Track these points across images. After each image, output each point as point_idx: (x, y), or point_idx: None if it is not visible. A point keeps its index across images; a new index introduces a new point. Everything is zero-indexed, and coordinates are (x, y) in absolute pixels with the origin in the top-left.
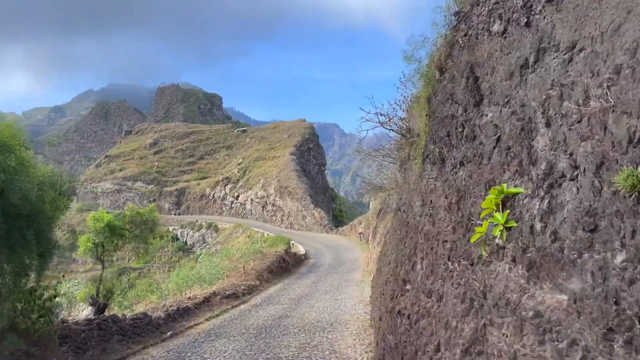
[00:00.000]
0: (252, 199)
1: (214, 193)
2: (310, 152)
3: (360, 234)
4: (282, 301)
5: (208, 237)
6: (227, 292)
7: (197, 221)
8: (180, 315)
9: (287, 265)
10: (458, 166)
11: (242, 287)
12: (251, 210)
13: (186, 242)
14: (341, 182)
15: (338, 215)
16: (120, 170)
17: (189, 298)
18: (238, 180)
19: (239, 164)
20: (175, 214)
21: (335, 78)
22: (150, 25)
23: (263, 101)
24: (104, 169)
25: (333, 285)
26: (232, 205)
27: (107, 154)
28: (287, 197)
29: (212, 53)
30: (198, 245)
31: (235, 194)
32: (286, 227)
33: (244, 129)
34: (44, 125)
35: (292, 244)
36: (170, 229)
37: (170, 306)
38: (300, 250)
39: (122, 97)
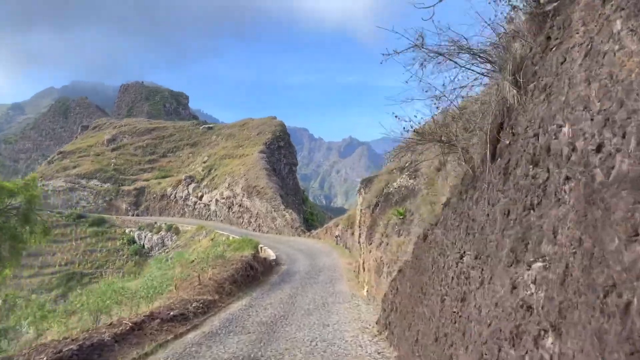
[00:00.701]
0: (217, 200)
1: (176, 193)
2: (280, 151)
3: (337, 237)
4: (248, 327)
5: (168, 240)
6: (171, 313)
7: (156, 223)
8: (84, 359)
9: (255, 273)
10: None
11: (194, 304)
12: (216, 211)
13: (144, 246)
14: (309, 187)
15: (309, 219)
16: (74, 167)
17: (110, 325)
18: (202, 179)
19: (204, 162)
20: (133, 215)
21: (306, 82)
22: (117, 21)
23: (231, 103)
24: (56, 166)
25: (316, 302)
26: (195, 206)
27: (60, 150)
28: (256, 198)
29: (181, 53)
30: (157, 248)
31: (199, 194)
32: (254, 230)
33: (210, 125)
34: (2, 122)
35: (261, 247)
36: (127, 230)
37: (72, 341)
38: (271, 255)
39: (85, 96)
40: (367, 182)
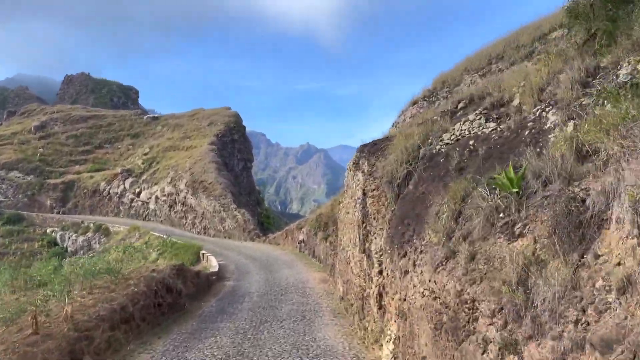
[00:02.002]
0: (157, 197)
1: (110, 188)
2: (234, 144)
3: (301, 242)
4: None
5: (95, 243)
6: None
7: (83, 222)
8: None
9: (175, 299)
10: None
11: None
12: (155, 210)
13: (67, 249)
14: (265, 192)
15: (265, 222)
16: None
17: None
18: (142, 173)
19: (145, 155)
20: (58, 213)
21: (264, 85)
22: (68, 14)
23: (186, 104)
24: None
25: None
26: (132, 204)
27: None
28: (202, 195)
29: (134, 50)
30: (82, 252)
31: (137, 190)
32: (199, 233)
33: (155, 115)
34: None
35: (203, 254)
36: (49, 230)
37: None
38: (212, 264)
39: (27, 86)
40: (372, 148)
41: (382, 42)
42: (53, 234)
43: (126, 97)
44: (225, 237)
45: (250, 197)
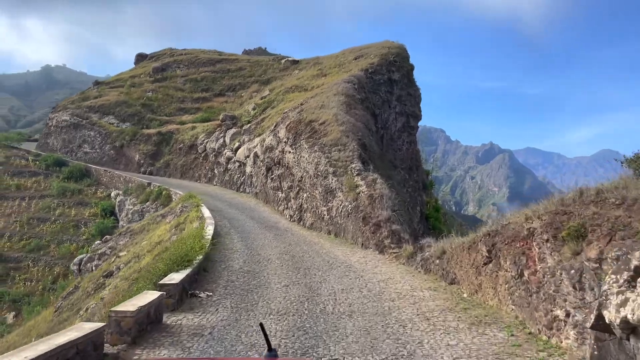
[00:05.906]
0: (256, 154)
1: (207, 143)
2: (392, 89)
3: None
4: None
5: (149, 214)
6: None
7: (149, 185)
8: None
9: None
10: None
11: None
12: (252, 176)
13: (118, 220)
14: (440, 190)
15: (432, 217)
16: (95, 97)
17: None
18: (249, 122)
19: (263, 98)
20: (144, 172)
21: (448, 81)
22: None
23: None
24: (77, 97)
25: None
26: (228, 166)
27: (98, 80)
28: (305, 144)
29: (323, 37)
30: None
31: (235, 145)
32: (291, 218)
33: (296, 59)
34: None
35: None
36: (113, 193)
37: None
38: None
39: None
40: None
41: (596, 33)
42: (118, 197)
43: None
44: (329, 233)
45: (410, 175)
